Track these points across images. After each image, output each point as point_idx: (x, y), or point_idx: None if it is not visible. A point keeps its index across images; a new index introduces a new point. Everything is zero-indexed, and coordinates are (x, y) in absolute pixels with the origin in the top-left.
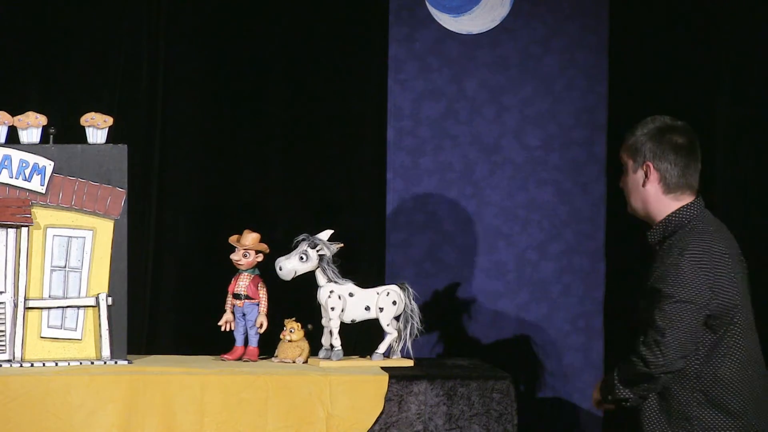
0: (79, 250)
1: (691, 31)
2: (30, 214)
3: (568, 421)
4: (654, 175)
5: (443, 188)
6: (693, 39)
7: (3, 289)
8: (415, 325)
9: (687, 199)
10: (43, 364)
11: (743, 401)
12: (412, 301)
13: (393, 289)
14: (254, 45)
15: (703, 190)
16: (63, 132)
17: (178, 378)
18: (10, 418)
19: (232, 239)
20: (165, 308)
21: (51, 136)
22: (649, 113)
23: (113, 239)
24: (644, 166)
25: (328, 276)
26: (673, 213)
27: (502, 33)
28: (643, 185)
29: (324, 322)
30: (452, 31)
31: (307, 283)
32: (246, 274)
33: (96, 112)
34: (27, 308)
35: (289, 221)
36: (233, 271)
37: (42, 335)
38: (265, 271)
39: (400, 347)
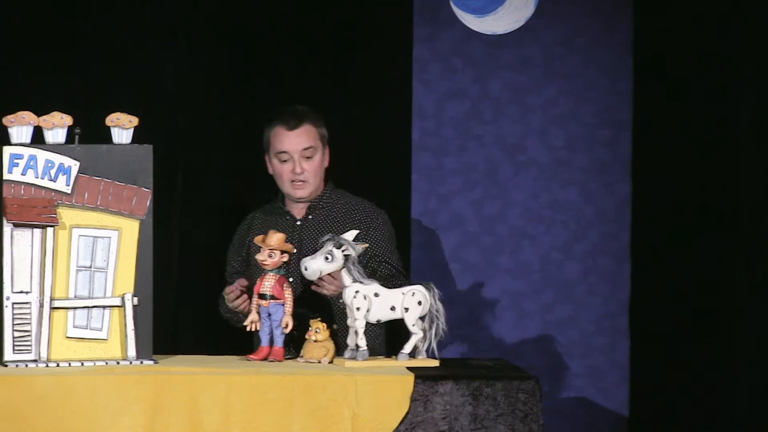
0: (104, 250)
1: (714, 27)
2: (55, 215)
3: (593, 421)
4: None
5: (467, 189)
6: (716, 35)
7: (29, 289)
8: (441, 325)
9: None
10: (69, 364)
11: None
12: (438, 302)
13: (418, 289)
14: (277, 45)
15: (728, 185)
16: (88, 132)
17: (203, 378)
18: (35, 418)
19: (258, 239)
20: (190, 308)
21: (76, 137)
22: (673, 111)
23: (139, 239)
24: (326, 149)
25: (353, 276)
26: (327, 187)
27: (526, 33)
28: (326, 166)
29: (349, 322)
30: (476, 32)
31: None
32: (271, 274)
33: (121, 112)
34: (52, 308)
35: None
36: (259, 271)
37: (67, 335)
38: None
39: (425, 347)
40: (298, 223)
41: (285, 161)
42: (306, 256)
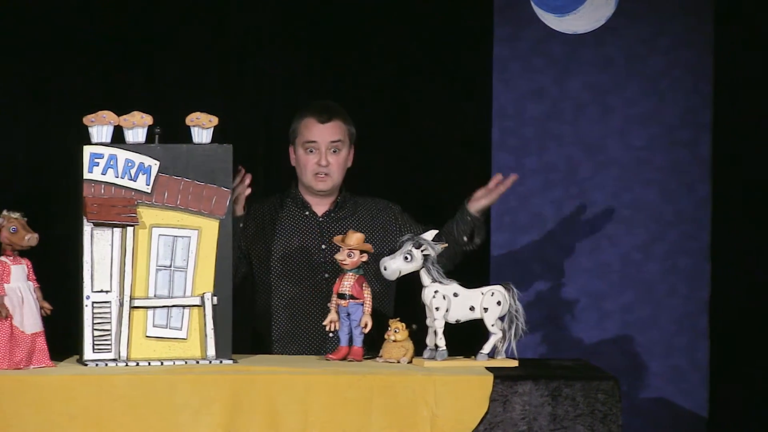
0: (184, 249)
1: None
2: (135, 214)
3: (672, 422)
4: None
5: (547, 188)
6: None
7: (108, 289)
8: (520, 325)
9: None
10: (149, 364)
11: None
12: (517, 302)
13: (497, 289)
14: (358, 45)
15: None
16: (168, 132)
17: (282, 378)
18: (114, 417)
19: (337, 239)
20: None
21: (156, 136)
22: (754, 113)
23: (218, 239)
24: (352, 148)
25: (432, 276)
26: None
27: (607, 32)
28: (349, 166)
29: (428, 322)
30: (556, 31)
31: (411, 283)
32: (350, 274)
33: (201, 111)
34: (132, 307)
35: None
36: (338, 270)
37: (147, 334)
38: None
39: (504, 347)
40: (321, 218)
41: (311, 152)
42: (328, 250)
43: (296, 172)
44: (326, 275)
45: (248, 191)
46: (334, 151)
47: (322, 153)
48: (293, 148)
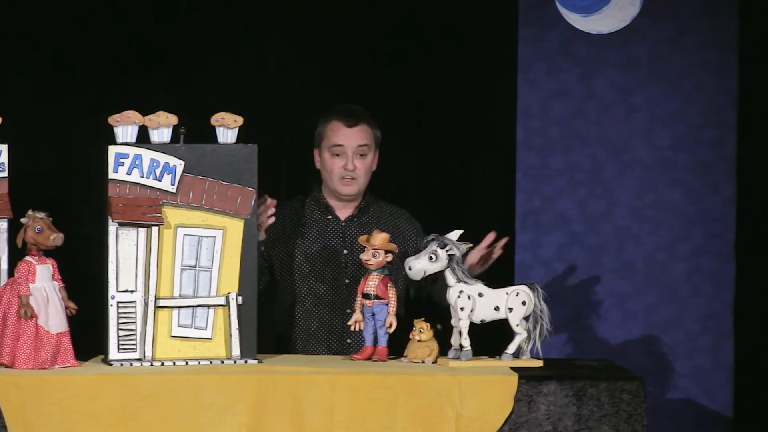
0: (209, 249)
1: None
2: (161, 214)
3: (697, 422)
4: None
5: (572, 188)
6: None
7: (134, 288)
8: (545, 325)
9: None
10: (173, 363)
11: None
12: (542, 302)
13: (522, 289)
14: (380, 45)
15: None
16: (193, 132)
17: (307, 378)
18: (140, 416)
19: (362, 239)
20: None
21: (181, 136)
22: None
23: (243, 238)
24: (377, 152)
25: (457, 276)
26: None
27: (632, 32)
28: (374, 169)
29: (453, 322)
30: (581, 31)
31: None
32: (375, 274)
33: (226, 111)
34: (157, 307)
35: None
36: (362, 271)
37: (172, 334)
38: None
39: (529, 347)
40: (344, 223)
41: (338, 156)
42: (350, 255)
43: (321, 175)
44: (347, 281)
45: (271, 220)
46: (361, 156)
47: (348, 157)
48: (318, 151)
